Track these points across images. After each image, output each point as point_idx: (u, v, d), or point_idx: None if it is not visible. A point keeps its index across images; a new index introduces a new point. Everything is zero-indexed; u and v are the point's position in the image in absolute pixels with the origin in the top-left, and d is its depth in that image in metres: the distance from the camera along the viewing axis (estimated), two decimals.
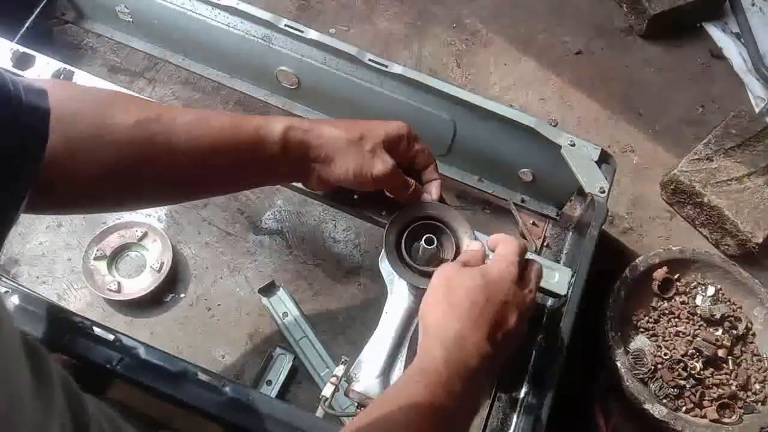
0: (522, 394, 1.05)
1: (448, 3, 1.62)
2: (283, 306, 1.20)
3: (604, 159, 1.15)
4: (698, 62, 1.60)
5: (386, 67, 1.18)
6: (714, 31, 1.63)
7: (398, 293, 1.01)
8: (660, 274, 1.16)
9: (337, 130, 0.86)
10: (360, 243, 1.28)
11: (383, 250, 0.99)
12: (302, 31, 1.19)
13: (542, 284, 1.01)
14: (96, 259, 1.20)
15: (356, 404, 0.96)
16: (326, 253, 1.27)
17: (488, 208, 1.34)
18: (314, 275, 1.25)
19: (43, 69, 1.14)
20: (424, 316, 0.81)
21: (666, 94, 1.54)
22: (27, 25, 1.30)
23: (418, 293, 0.99)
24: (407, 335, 0.99)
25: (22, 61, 1.14)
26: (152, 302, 1.19)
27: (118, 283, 1.18)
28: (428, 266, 0.98)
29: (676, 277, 1.18)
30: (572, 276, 1.03)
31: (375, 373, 0.95)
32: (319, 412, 0.96)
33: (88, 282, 1.18)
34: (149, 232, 1.23)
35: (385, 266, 1.03)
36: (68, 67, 1.14)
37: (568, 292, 1.02)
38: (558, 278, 1.04)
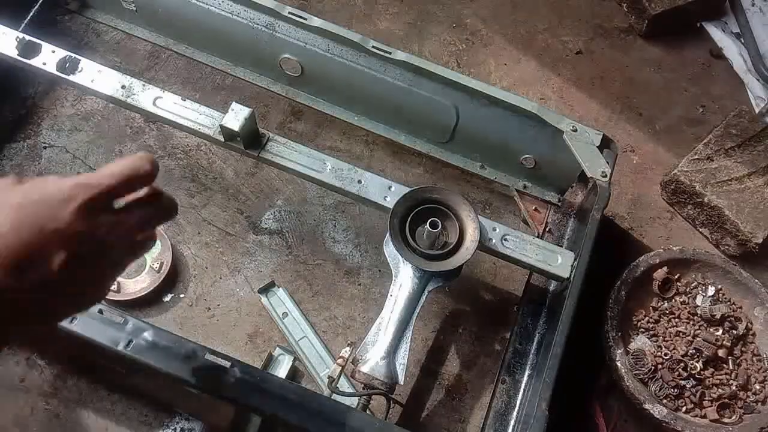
0: (525, 377, 1.06)
1: (448, 3, 1.61)
2: (283, 306, 1.20)
3: (605, 144, 1.16)
4: (698, 62, 1.60)
5: (390, 54, 1.19)
6: (714, 31, 1.63)
7: (403, 276, 1.03)
8: (660, 274, 1.16)
9: None
10: (360, 243, 1.28)
11: (388, 233, 1.02)
12: (306, 19, 1.20)
13: (544, 267, 1.05)
14: None
15: (362, 385, 0.97)
16: (326, 253, 1.27)
17: (488, 209, 1.34)
18: (314, 275, 1.25)
19: (48, 57, 1.14)
20: None
21: (666, 94, 1.54)
22: (32, 13, 1.30)
23: (422, 276, 1.02)
24: (412, 317, 1.01)
25: (28, 50, 1.14)
26: (152, 302, 1.19)
27: (118, 283, 1.18)
28: (432, 249, 1.02)
29: (676, 277, 1.18)
30: (575, 259, 1.05)
31: (380, 355, 0.97)
32: (325, 393, 0.97)
33: None
34: None
35: (389, 250, 1.05)
36: (73, 55, 1.14)
37: (570, 275, 1.04)
38: (561, 261, 1.06)
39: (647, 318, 1.15)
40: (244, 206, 1.30)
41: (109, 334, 0.88)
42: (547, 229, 1.26)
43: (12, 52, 1.13)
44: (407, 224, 1.01)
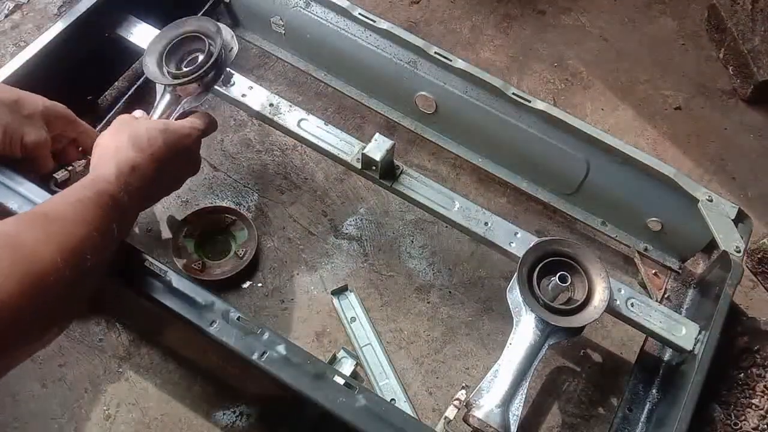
0: None
1: (553, 42, 1.63)
2: (353, 310, 1.23)
3: (740, 218, 1.13)
4: None
5: (529, 102, 1.19)
6: None
7: (524, 326, 1.01)
8: (739, 342, 1.13)
9: None
10: (434, 262, 1.30)
11: (514, 280, 1.02)
12: (450, 60, 1.22)
13: (668, 336, 1.03)
14: (185, 237, 1.26)
15: (472, 430, 0.96)
16: (400, 266, 1.30)
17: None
18: (386, 286, 1.27)
19: None
20: (100, 144, 0.89)
21: (764, 162, 1.51)
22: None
23: (545, 329, 1.00)
24: (530, 369, 0.99)
25: None
26: (230, 286, 1.24)
27: (203, 263, 1.23)
28: (554, 302, 1.00)
29: (755, 348, 1.14)
30: (699, 332, 1.03)
31: (495, 403, 0.96)
32: (440, 429, 0.97)
33: (174, 257, 1.23)
34: (238, 220, 1.29)
35: (513, 297, 1.03)
36: (228, 69, 1.18)
37: (694, 348, 1.01)
38: (685, 332, 1.03)
39: (720, 385, 1.11)
40: (328, 209, 1.34)
41: (246, 343, 0.90)
42: (665, 296, 1.22)
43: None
44: (535, 274, 1.00)
